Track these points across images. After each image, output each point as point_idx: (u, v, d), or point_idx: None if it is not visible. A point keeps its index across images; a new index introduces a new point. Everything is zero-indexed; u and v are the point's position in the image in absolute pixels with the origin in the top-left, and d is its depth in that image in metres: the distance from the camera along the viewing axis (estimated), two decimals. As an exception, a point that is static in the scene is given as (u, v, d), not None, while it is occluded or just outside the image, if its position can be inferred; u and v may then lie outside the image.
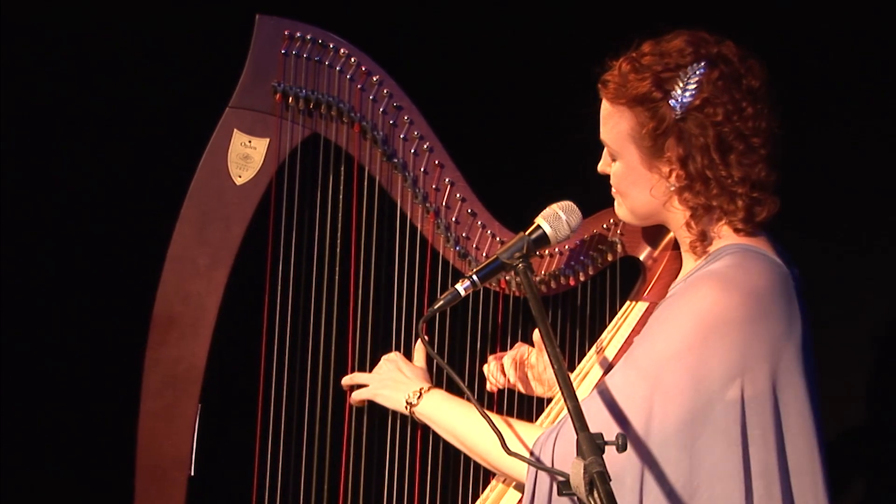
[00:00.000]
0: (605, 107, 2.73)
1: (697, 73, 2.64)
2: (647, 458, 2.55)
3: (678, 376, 2.55)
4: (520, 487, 2.81)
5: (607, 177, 2.78)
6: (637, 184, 2.71)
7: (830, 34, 3.83)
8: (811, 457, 2.61)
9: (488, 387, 3.06)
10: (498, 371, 3.05)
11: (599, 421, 2.55)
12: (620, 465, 2.54)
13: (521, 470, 2.67)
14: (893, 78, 3.82)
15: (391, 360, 2.97)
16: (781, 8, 3.81)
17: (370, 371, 2.99)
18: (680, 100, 2.63)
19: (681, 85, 2.64)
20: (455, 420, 2.81)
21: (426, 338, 2.83)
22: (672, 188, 2.68)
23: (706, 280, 2.61)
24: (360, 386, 2.98)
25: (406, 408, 2.88)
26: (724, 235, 2.69)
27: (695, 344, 2.55)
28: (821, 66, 3.82)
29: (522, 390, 3.07)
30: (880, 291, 3.86)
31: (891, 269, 3.85)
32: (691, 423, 2.55)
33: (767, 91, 2.67)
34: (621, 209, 2.79)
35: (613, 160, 2.74)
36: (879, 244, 3.88)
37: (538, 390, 3.07)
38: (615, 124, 2.71)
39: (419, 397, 2.87)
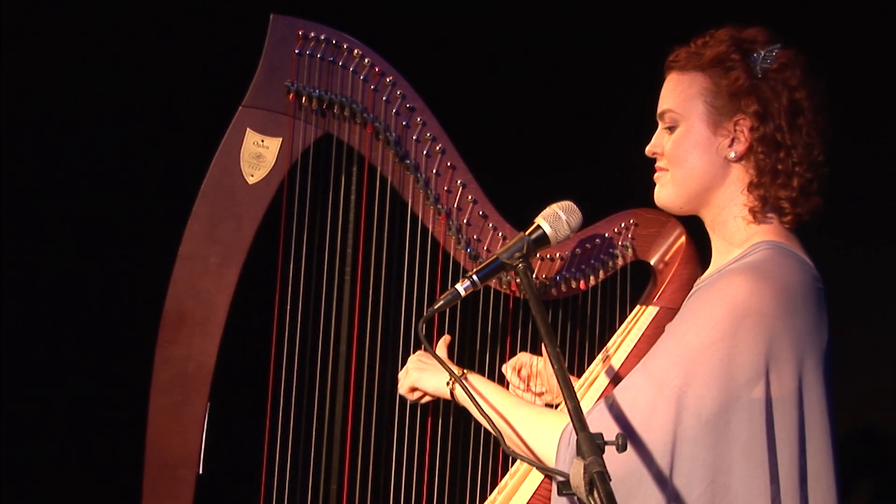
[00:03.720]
0: (672, 78, 2.76)
1: (775, 47, 2.71)
2: (670, 461, 2.55)
3: (710, 366, 2.56)
4: (528, 488, 2.82)
5: (651, 163, 2.79)
6: (698, 146, 2.72)
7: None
8: (827, 462, 2.62)
9: None
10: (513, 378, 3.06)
11: (630, 414, 2.57)
12: (642, 468, 2.54)
13: (551, 455, 2.66)
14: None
15: (420, 353, 2.98)
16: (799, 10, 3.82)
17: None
18: (759, 61, 2.70)
19: (760, 51, 2.71)
20: (493, 404, 2.80)
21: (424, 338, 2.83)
22: (732, 156, 2.70)
23: (741, 271, 2.62)
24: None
25: (448, 384, 2.88)
26: (766, 224, 2.70)
27: (728, 333, 2.56)
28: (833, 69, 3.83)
29: (526, 398, 3.06)
30: (882, 291, 3.87)
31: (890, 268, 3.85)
32: (718, 420, 2.55)
33: (826, 97, 2.73)
34: (665, 188, 2.77)
35: (672, 131, 2.74)
36: (883, 244, 3.88)
37: (546, 398, 3.08)
38: (684, 89, 2.73)
39: (462, 377, 2.87)
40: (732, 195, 2.73)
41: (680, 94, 2.74)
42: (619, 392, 2.62)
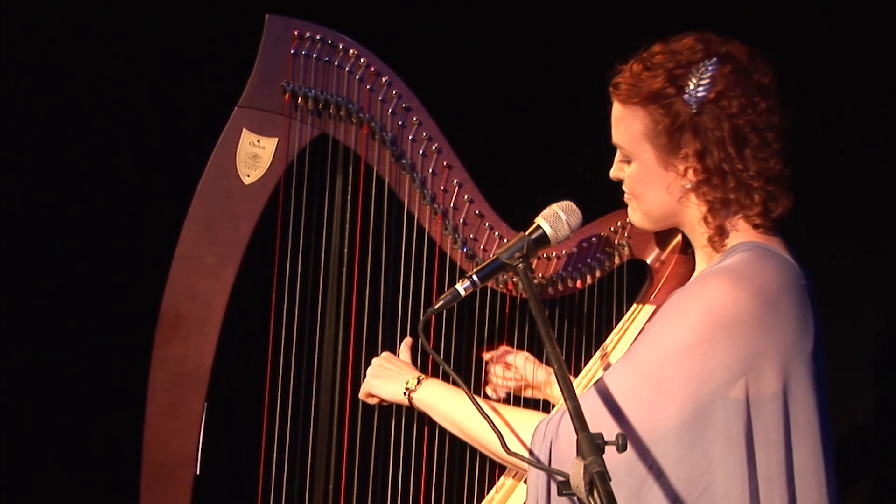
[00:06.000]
0: (617, 109, 2.73)
1: (710, 68, 2.66)
2: (649, 457, 2.55)
3: (683, 372, 2.55)
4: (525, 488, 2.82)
5: (619, 182, 2.78)
6: (653, 183, 2.71)
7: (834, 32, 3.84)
8: (816, 459, 2.61)
9: (492, 394, 3.07)
10: (505, 377, 3.06)
11: (598, 418, 2.55)
12: (622, 463, 2.54)
13: (520, 461, 2.66)
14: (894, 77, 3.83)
15: (383, 357, 2.99)
16: (788, 7, 3.82)
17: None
18: (694, 94, 2.65)
19: (694, 80, 2.66)
20: (454, 408, 2.82)
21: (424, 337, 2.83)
22: (688, 185, 2.69)
23: (717, 275, 2.61)
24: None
25: (405, 394, 2.90)
26: (742, 230, 2.69)
27: (702, 338, 2.56)
28: (825, 65, 3.83)
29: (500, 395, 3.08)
30: (882, 290, 3.87)
31: (892, 268, 3.85)
32: (695, 421, 2.55)
33: (776, 88, 2.69)
34: (636, 214, 2.78)
35: (627, 163, 2.74)
36: (881, 242, 3.89)
37: (527, 392, 3.09)
38: (628, 125, 2.71)
39: (418, 384, 2.89)
40: (699, 216, 2.72)
41: (625, 130, 2.71)
42: (599, 389, 2.62)
